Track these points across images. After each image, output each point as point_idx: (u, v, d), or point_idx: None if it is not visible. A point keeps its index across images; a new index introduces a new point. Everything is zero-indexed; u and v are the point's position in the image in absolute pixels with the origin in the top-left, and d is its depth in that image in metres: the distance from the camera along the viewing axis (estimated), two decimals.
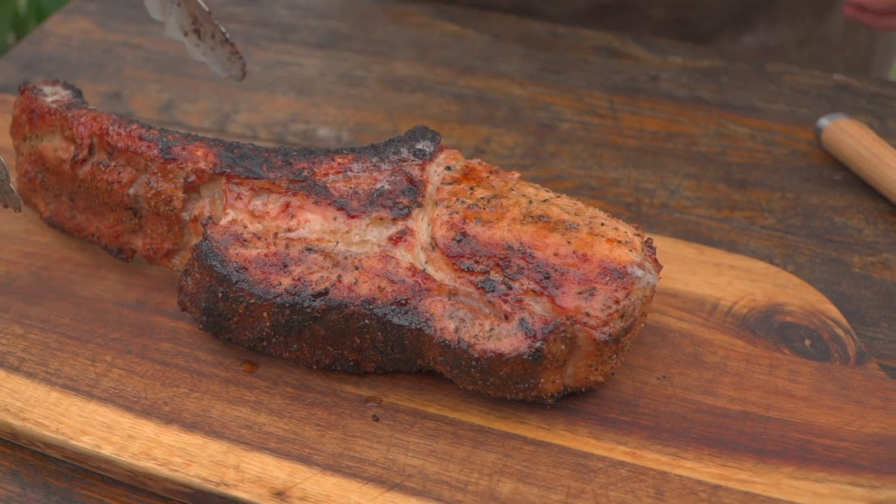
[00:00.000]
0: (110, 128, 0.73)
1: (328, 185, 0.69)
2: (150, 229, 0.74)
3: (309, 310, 0.65)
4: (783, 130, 0.98)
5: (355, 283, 0.65)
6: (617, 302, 0.63)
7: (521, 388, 0.63)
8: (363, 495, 0.61)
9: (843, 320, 0.73)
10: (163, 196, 0.71)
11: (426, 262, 0.66)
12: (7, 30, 2.16)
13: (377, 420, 0.66)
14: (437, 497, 0.61)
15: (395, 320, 0.64)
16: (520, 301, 0.63)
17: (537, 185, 0.70)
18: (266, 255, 0.66)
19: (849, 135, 0.90)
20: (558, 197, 0.69)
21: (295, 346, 0.67)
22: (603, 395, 0.67)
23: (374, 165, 0.70)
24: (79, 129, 0.74)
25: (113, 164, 0.73)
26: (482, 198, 0.68)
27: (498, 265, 0.64)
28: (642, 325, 0.66)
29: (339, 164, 0.70)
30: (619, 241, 0.65)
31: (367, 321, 0.65)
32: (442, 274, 0.65)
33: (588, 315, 0.62)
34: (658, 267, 0.66)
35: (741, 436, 0.65)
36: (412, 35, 1.14)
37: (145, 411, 0.66)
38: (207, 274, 0.67)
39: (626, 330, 0.64)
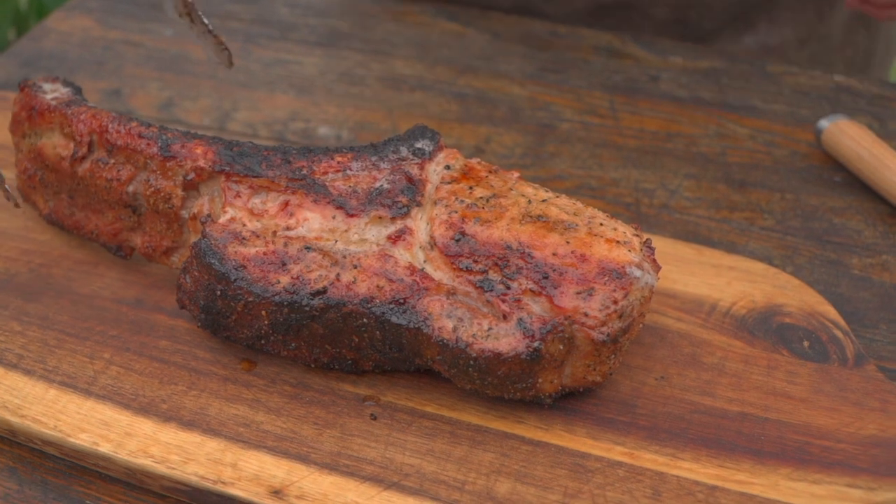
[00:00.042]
0: (110, 125, 0.73)
1: (327, 183, 0.69)
2: (149, 227, 0.74)
3: (307, 308, 0.65)
4: (783, 131, 0.98)
5: (354, 282, 0.65)
6: (615, 302, 0.63)
7: (518, 387, 0.63)
8: (360, 494, 0.61)
9: (842, 322, 0.73)
10: (162, 194, 0.71)
11: (425, 262, 0.66)
12: (8, 26, 2.16)
13: (375, 419, 0.66)
14: (435, 496, 0.61)
15: (394, 319, 0.64)
16: (518, 301, 0.63)
17: (536, 185, 0.70)
18: (265, 254, 0.66)
19: (849, 136, 0.90)
20: (557, 197, 0.69)
21: (293, 344, 0.67)
22: (601, 395, 0.67)
23: (374, 164, 0.70)
24: (78, 127, 0.74)
25: (112, 161, 0.73)
26: (481, 197, 0.68)
27: (496, 265, 0.64)
28: (641, 325, 0.66)
29: (338, 162, 0.70)
30: (618, 242, 0.65)
31: (365, 320, 0.65)
32: (440, 273, 0.65)
33: (586, 315, 0.62)
34: (657, 267, 0.66)
35: (739, 437, 0.65)
36: (412, 34, 1.14)
37: (143, 409, 0.66)
38: (206, 272, 0.67)
39: (625, 330, 0.64)
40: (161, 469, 0.62)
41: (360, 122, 0.99)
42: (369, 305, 0.64)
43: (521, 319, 0.62)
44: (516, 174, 0.71)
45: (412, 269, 0.65)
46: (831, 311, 0.74)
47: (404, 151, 0.71)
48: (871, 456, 0.63)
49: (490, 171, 0.70)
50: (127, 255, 0.76)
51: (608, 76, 1.06)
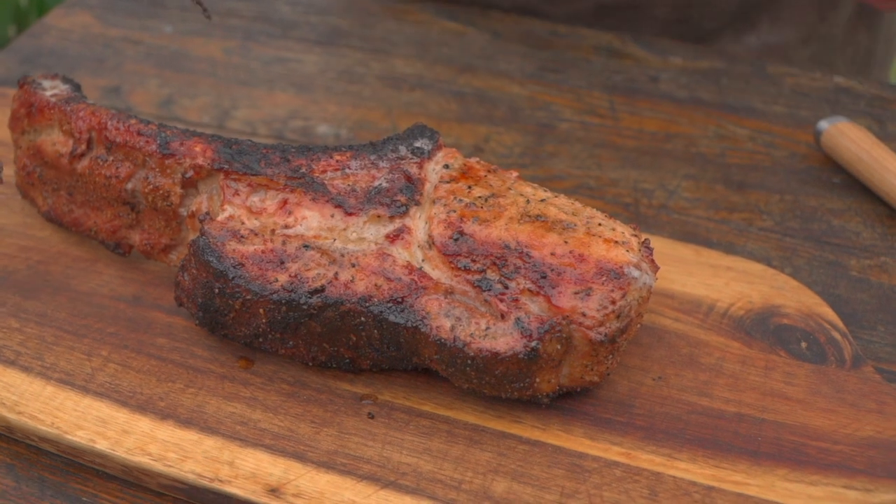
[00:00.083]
0: (109, 122, 0.73)
1: (326, 182, 0.69)
2: (148, 224, 0.74)
3: (305, 307, 0.65)
4: (783, 132, 0.98)
5: (352, 281, 0.65)
6: (613, 302, 0.63)
7: (516, 387, 0.63)
8: (357, 493, 0.61)
9: (840, 323, 0.73)
10: (160, 191, 0.71)
11: (423, 261, 0.66)
12: (8, 22, 2.16)
13: (372, 418, 0.66)
14: (431, 495, 0.61)
15: (392, 318, 0.64)
16: (516, 300, 0.63)
17: (535, 185, 0.70)
18: (263, 252, 0.66)
19: (848, 138, 0.90)
20: (556, 197, 0.69)
21: (291, 342, 0.67)
22: (598, 395, 0.67)
23: (373, 163, 0.70)
24: (77, 124, 0.74)
25: (111, 158, 0.73)
26: (480, 197, 0.68)
27: (494, 264, 0.64)
28: (638, 325, 0.66)
29: (337, 161, 0.70)
30: (616, 242, 0.65)
31: (363, 319, 0.65)
32: (438, 272, 0.65)
33: (584, 315, 0.62)
34: (655, 268, 0.66)
35: (736, 437, 0.65)
36: (412, 32, 1.14)
37: (141, 406, 0.66)
38: (204, 270, 0.67)
39: (622, 330, 0.64)
40: (158, 467, 0.62)
41: (359, 120, 0.99)
42: (367, 304, 0.64)
43: (518, 319, 0.62)
44: (515, 174, 0.71)
45: (410, 268, 0.65)
46: (829, 313, 0.74)
47: (403, 150, 0.71)
48: (868, 457, 0.63)
49: (489, 171, 0.70)
50: (125, 252, 0.76)
51: (608, 76, 1.06)
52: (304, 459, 0.63)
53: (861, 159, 0.89)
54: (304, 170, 0.69)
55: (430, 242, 0.66)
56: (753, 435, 0.65)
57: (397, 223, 0.67)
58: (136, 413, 0.65)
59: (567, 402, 0.67)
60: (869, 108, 1.01)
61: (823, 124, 0.93)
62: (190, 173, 0.70)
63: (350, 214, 0.67)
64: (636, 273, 0.64)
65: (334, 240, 0.67)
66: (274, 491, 0.61)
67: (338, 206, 0.68)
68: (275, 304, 0.65)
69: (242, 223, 0.68)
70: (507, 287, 0.63)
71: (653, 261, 0.66)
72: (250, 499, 0.60)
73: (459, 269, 0.64)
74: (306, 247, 0.66)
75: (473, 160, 0.72)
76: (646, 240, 0.67)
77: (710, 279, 0.76)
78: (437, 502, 0.60)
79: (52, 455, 0.66)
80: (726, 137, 0.97)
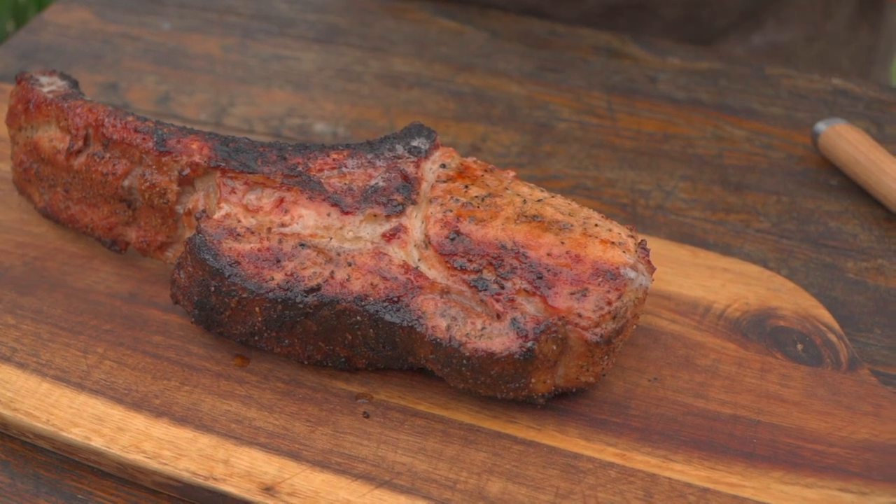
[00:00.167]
0: (106, 119, 0.73)
1: (322, 180, 0.69)
2: (144, 222, 0.73)
3: (301, 305, 0.65)
4: (780, 134, 0.98)
5: (348, 280, 0.65)
6: (609, 303, 0.62)
7: (511, 387, 0.63)
8: (352, 492, 0.61)
9: (836, 326, 0.73)
10: (157, 189, 0.71)
11: (419, 260, 0.66)
12: (7, 18, 2.16)
13: (367, 417, 0.66)
14: (426, 495, 0.61)
15: (387, 317, 0.64)
16: (512, 300, 0.63)
17: (532, 185, 0.70)
18: (259, 250, 0.66)
19: (846, 140, 0.90)
20: (553, 197, 0.68)
21: (286, 341, 0.67)
22: (594, 395, 0.67)
23: (369, 162, 0.70)
24: (74, 120, 0.74)
25: (108, 155, 0.73)
26: (476, 196, 0.68)
27: (491, 264, 0.64)
28: (634, 326, 0.66)
29: (333, 159, 0.70)
30: (613, 243, 0.65)
31: (358, 318, 0.64)
32: (434, 272, 0.65)
33: (580, 316, 0.62)
34: (651, 269, 0.66)
35: (731, 439, 0.65)
36: (410, 31, 1.14)
37: (136, 404, 0.66)
38: (200, 267, 0.67)
39: (618, 331, 0.63)
40: (153, 464, 0.62)
41: (356, 118, 0.99)
42: (363, 303, 0.64)
43: (514, 319, 0.62)
44: (512, 173, 0.71)
45: (406, 267, 0.65)
46: (825, 315, 0.74)
47: (400, 149, 0.71)
48: (864, 460, 0.63)
49: (486, 170, 0.70)
50: (121, 249, 0.76)
51: (606, 76, 1.06)
52: (298, 458, 0.63)
53: (858, 161, 0.88)
54: (300, 168, 0.69)
55: (427, 242, 0.66)
56: (749, 437, 0.65)
57: (394, 222, 0.67)
58: (131, 410, 0.65)
59: (562, 403, 0.67)
60: (867, 110, 1.01)
61: (821, 126, 0.93)
62: (186, 171, 0.70)
63: (346, 213, 0.67)
64: (632, 274, 0.64)
65: (330, 238, 0.67)
66: (268, 489, 0.61)
67: (334, 204, 0.68)
68: (271, 302, 0.65)
69: (239, 221, 0.68)
70: (503, 287, 0.63)
71: (649, 262, 0.66)
72: (245, 497, 0.60)
73: (455, 268, 0.64)
74: (302, 245, 0.66)
75: (470, 160, 0.72)
76: (642, 241, 0.67)
77: (707, 281, 0.76)
78: (432, 502, 0.60)
79: (48, 452, 0.66)
80: (724, 139, 0.97)
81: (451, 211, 0.66)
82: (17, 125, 0.79)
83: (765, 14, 1.19)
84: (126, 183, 0.72)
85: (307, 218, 0.67)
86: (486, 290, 0.63)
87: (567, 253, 0.64)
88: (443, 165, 0.70)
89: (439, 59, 1.09)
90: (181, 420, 0.65)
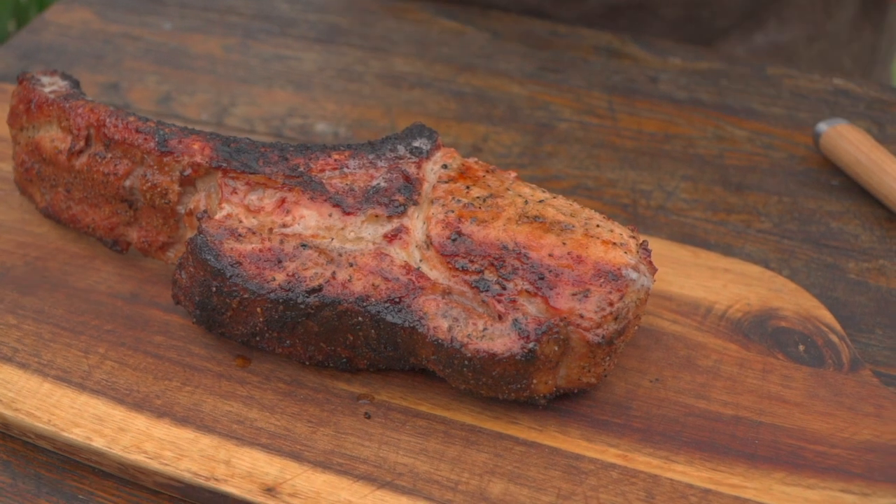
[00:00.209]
0: (107, 119, 0.73)
1: (324, 181, 0.69)
2: (146, 222, 0.73)
3: (302, 306, 0.65)
4: (781, 134, 0.98)
5: (349, 280, 0.65)
6: (611, 304, 0.62)
7: (513, 388, 0.63)
8: (353, 493, 0.61)
9: (838, 326, 0.73)
10: (158, 189, 0.71)
11: (420, 261, 0.65)
12: (8, 18, 2.16)
13: (369, 417, 0.66)
14: (428, 496, 0.61)
15: (389, 318, 0.64)
16: (513, 301, 0.63)
17: (533, 185, 0.70)
18: (261, 251, 0.66)
19: (847, 140, 0.90)
20: (554, 197, 0.68)
21: (288, 341, 0.67)
22: (595, 396, 0.67)
23: (371, 162, 0.70)
24: (76, 120, 0.74)
25: (109, 155, 0.73)
26: (478, 197, 0.67)
27: (492, 265, 0.64)
28: (636, 327, 0.66)
29: (335, 160, 0.70)
30: (614, 243, 0.65)
31: (360, 318, 0.64)
32: (436, 273, 0.65)
33: (582, 317, 0.62)
34: (653, 269, 0.66)
35: (733, 440, 0.64)
36: (412, 31, 1.14)
37: (137, 404, 0.66)
38: (202, 268, 0.66)
39: (620, 332, 0.63)
40: (154, 465, 0.62)
41: (357, 119, 0.99)
42: (364, 304, 0.64)
43: (516, 320, 0.62)
44: (513, 174, 0.71)
45: (408, 268, 0.65)
46: (827, 316, 0.74)
47: (402, 150, 0.71)
48: (866, 461, 0.63)
49: (487, 171, 0.70)
50: (123, 249, 0.76)
51: (607, 76, 1.06)
52: (300, 459, 0.63)
53: (860, 162, 0.88)
54: (302, 169, 0.69)
55: (428, 242, 0.66)
56: (751, 438, 0.65)
57: (395, 223, 0.67)
58: (132, 411, 0.65)
59: (564, 404, 0.67)
60: (868, 110, 1.01)
61: (822, 126, 0.93)
62: (188, 171, 0.70)
63: (348, 214, 0.67)
64: (634, 275, 0.64)
65: (332, 239, 0.67)
66: (270, 490, 0.61)
67: (336, 205, 0.68)
68: (272, 303, 0.65)
69: (240, 222, 0.68)
70: (504, 288, 0.63)
71: (651, 262, 0.66)
72: (246, 498, 0.60)
73: (457, 269, 0.64)
74: (304, 246, 0.66)
75: (472, 160, 0.71)
76: (644, 241, 0.67)
77: (708, 281, 0.76)
78: (434, 503, 0.60)
79: (49, 452, 0.66)
80: (725, 139, 0.97)
81: (453, 212, 0.66)
82: (19, 125, 0.79)
83: (766, 14, 1.19)
84: (127, 183, 0.72)
85: (309, 218, 0.67)
86: (487, 290, 0.63)
87: (569, 254, 0.64)
88: (444, 166, 0.70)
89: (440, 59, 1.09)
90: (182, 420, 0.65)
